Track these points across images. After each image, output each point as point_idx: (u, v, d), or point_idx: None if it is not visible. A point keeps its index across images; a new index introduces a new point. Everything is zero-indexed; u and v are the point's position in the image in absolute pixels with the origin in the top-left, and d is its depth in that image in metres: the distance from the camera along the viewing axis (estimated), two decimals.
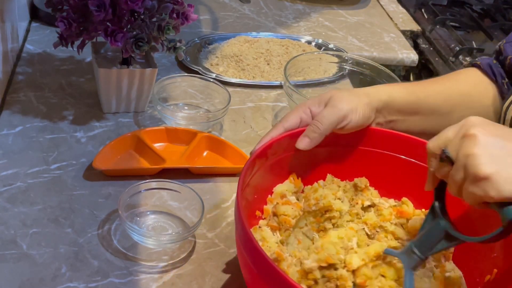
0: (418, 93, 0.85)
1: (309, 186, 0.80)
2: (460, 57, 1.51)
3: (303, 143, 0.75)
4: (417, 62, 1.50)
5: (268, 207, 0.77)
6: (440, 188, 0.67)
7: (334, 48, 1.40)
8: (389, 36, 1.55)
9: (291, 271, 0.68)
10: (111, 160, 0.95)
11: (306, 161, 0.80)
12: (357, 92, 0.80)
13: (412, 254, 0.67)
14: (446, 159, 0.62)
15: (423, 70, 1.56)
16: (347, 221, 0.77)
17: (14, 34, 1.14)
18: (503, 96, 0.88)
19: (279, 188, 0.78)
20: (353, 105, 0.77)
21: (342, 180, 0.81)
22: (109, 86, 1.02)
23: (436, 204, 0.67)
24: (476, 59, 0.93)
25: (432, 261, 0.75)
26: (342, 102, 0.76)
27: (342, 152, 0.82)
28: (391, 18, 1.66)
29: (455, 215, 0.70)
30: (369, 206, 0.79)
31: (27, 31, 1.29)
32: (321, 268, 0.68)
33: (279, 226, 0.75)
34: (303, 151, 0.77)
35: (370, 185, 0.81)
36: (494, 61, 0.90)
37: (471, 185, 0.59)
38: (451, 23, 1.66)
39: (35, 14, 1.33)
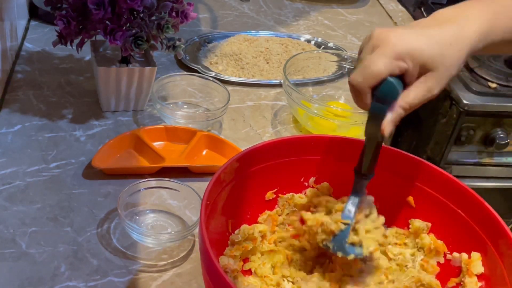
0: (508, 21, 0.67)
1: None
2: None
3: (389, 129, 0.64)
4: None
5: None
6: None
7: (334, 47, 1.40)
8: None
9: None
10: (110, 159, 0.95)
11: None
12: (445, 43, 0.63)
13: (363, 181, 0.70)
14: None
15: None
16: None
17: (13, 33, 1.14)
18: None
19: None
20: (449, 80, 0.65)
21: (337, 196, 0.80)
22: (108, 85, 1.02)
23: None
24: None
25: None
26: (441, 82, 0.64)
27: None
28: (390, 17, 1.66)
29: None
30: None
31: (26, 29, 1.28)
32: None
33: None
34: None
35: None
36: None
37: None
38: None
39: (34, 12, 1.33)
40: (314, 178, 0.80)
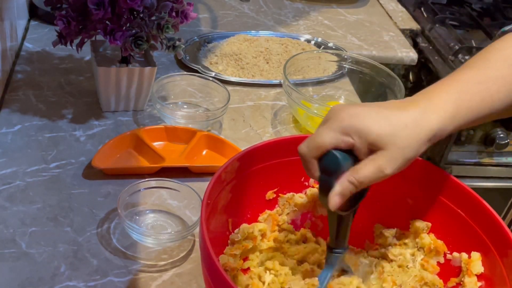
0: (474, 103, 0.65)
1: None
2: (460, 56, 1.51)
3: (335, 202, 0.62)
4: (416, 61, 1.50)
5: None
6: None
7: (334, 47, 1.40)
8: (388, 34, 1.55)
9: None
10: (110, 159, 0.95)
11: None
12: (410, 131, 0.62)
13: (334, 257, 0.69)
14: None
15: (422, 69, 1.56)
16: None
17: (13, 33, 1.14)
18: None
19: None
20: (405, 163, 0.62)
21: None
22: (108, 85, 1.02)
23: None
24: (506, 27, 0.75)
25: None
26: (394, 163, 0.61)
27: None
28: (390, 17, 1.66)
29: None
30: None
31: (26, 29, 1.28)
32: None
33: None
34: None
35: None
36: None
37: None
38: (451, 22, 1.66)
39: (34, 12, 1.33)
40: None
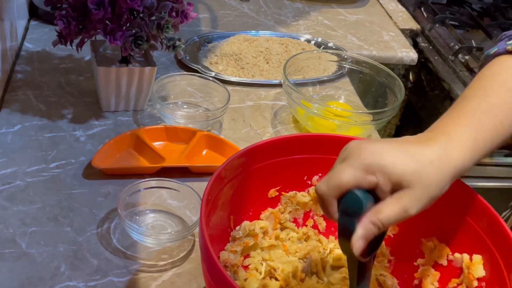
0: (488, 133, 0.63)
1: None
2: (460, 55, 1.51)
3: (359, 247, 0.57)
4: (416, 60, 1.50)
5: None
6: None
7: (334, 47, 1.40)
8: (388, 34, 1.55)
9: None
10: (110, 159, 0.95)
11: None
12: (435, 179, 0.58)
13: None
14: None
15: (422, 68, 1.56)
16: None
17: (13, 33, 1.14)
18: None
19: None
20: (430, 202, 0.59)
21: None
22: (108, 85, 1.02)
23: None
24: (499, 46, 0.72)
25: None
26: (419, 203, 0.57)
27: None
28: (390, 17, 1.66)
29: None
30: None
31: (26, 29, 1.28)
32: None
33: None
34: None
35: None
36: None
37: None
38: (451, 22, 1.66)
39: (34, 12, 1.33)
40: (318, 176, 0.80)
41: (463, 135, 0.61)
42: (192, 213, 0.85)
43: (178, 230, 0.84)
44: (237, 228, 0.76)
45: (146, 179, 0.87)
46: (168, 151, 0.98)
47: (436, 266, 0.76)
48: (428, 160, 0.58)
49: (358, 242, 0.56)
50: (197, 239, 0.84)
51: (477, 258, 0.70)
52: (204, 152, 1.01)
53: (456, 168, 0.59)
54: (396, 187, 0.57)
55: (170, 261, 0.81)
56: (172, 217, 0.87)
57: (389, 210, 0.56)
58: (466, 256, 0.72)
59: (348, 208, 0.57)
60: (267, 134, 1.10)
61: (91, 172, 0.92)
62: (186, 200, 0.86)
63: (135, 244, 0.82)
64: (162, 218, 0.87)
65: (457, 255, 0.74)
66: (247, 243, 0.75)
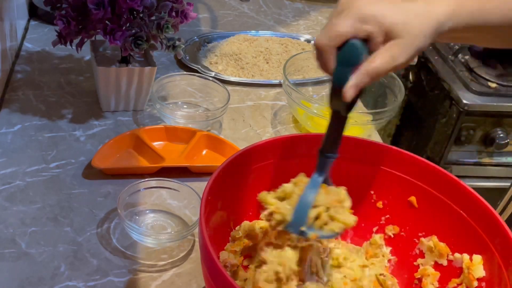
0: (474, 8, 0.67)
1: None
2: (460, 55, 1.51)
3: (350, 95, 0.62)
4: (416, 60, 1.50)
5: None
6: None
7: None
8: None
9: None
10: (110, 159, 0.95)
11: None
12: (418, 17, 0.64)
13: (326, 161, 0.67)
14: None
15: (422, 68, 1.56)
16: None
17: (12, 32, 1.14)
18: None
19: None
20: (416, 53, 0.63)
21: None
22: (108, 85, 1.02)
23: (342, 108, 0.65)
24: None
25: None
26: (407, 51, 0.62)
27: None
28: None
29: None
30: None
31: (26, 29, 1.28)
32: None
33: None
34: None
35: None
36: None
37: None
38: None
39: (34, 12, 1.33)
40: None
41: None
42: (192, 213, 0.85)
43: (178, 230, 0.84)
44: (237, 228, 0.76)
45: (146, 179, 0.87)
46: (168, 151, 0.98)
47: (436, 266, 0.76)
48: (415, 12, 0.62)
49: (349, 90, 0.61)
50: (197, 239, 0.84)
51: (477, 258, 0.70)
52: (204, 152, 1.01)
53: (439, 21, 0.63)
54: (387, 38, 0.61)
55: (170, 261, 0.81)
56: (172, 217, 0.87)
57: (380, 58, 0.61)
58: (466, 256, 0.72)
59: (346, 57, 0.61)
60: (267, 134, 1.10)
61: (91, 172, 0.92)
62: (186, 200, 0.86)
63: (135, 244, 0.82)
64: (162, 218, 0.87)
65: (457, 255, 0.74)
66: (247, 243, 0.75)
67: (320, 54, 0.63)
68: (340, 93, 0.61)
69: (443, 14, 0.64)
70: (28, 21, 1.32)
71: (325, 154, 0.68)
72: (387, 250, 0.80)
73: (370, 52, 0.62)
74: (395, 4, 0.63)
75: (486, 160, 1.50)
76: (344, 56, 0.61)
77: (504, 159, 1.50)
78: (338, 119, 0.66)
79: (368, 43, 0.61)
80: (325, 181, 0.68)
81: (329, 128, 0.67)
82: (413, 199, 0.78)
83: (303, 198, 0.66)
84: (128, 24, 0.94)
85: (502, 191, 1.24)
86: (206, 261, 0.61)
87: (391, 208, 0.80)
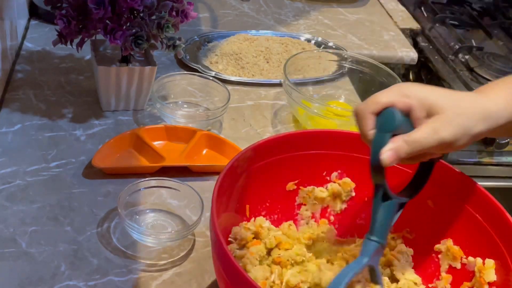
0: None
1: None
2: (460, 55, 1.51)
3: (387, 157, 0.60)
4: (416, 60, 1.50)
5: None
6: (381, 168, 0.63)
7: (334, 46, 1.40)
8: (388, 34, 1.55)
9: None
10: (111, 158, 0.95)
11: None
12: (473, 111, 0.62)
13: (370, 244, 0.63)
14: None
15: (422, 68, 1.56)
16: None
17: (13, 32, 1.14)
18: None
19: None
20: (462, 131, 0.62)
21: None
22: (108, 84, 1.02)
23: (386, 185, 0.63)
24: None
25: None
26: (449, 126, 0.61)
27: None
28: (390, 16, 1.66)
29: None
30: None
31: (26, 28, 1.28)
32: None
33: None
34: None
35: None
36: None
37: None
38: (451, 21, 1.66)
39: (34, 11, 1.33)
40: (337, 173, 0.80)
41: (498, 92, 0.65)
42: (192, 213, 0.85)
43: (178, 230, 0.84)
44: (251, 221, 0.77)
45: (146, 179, 0.87)
46: (168, 150, 0.98)
47: (449, 269, 0.75)
48: (461, 97, 0.63)
49: (386, 152, 0.60)
50: (197, 239, 0.84)
51: (490, 262, 0.70)
52: (204, 152, 1.01)
53: (489, 109, 0.63)
54: (430, 114, 0.61)
55: (170, 260, 0.81)
56: (172, 216, 0.87)
57: (420, 129, 0.61)
58: (479, 260, 0.71)
59: (383, 122, 0.61)
60: (267, 133, 1.10)
61: (91, 172, 0.92)
62: (186, 199, 0.86)
63: (135, 244, 0.82)
64: (162, 217, 0.87)
65: (470, 258, 0.73)
66: (259, 229, 0.75)
67: (357, 118, 0.64)
68: (379, 162, 0.60)
69: (493, 105, 0.63)
70: (29, 20, 1.32)
71: (370, 238, 0.64)
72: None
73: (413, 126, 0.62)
74: (442, 90, 0.64)
75: (486, 160, 1.50)
76: (381, 121, 0.61)
77: (504, 159, 1.50)
78: (382, 193, 0.63)
79: (409, 117, 0.62)
80: (372, 269, 0.65)
81: (374, 205, 0.64)
82: (430, 202, 0.77)
83: (340, 273, 0.61)
84: (128, 24, 0.94)
85: (503, 191, 1.24)
86: (219, 257, 0.61)
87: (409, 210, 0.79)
